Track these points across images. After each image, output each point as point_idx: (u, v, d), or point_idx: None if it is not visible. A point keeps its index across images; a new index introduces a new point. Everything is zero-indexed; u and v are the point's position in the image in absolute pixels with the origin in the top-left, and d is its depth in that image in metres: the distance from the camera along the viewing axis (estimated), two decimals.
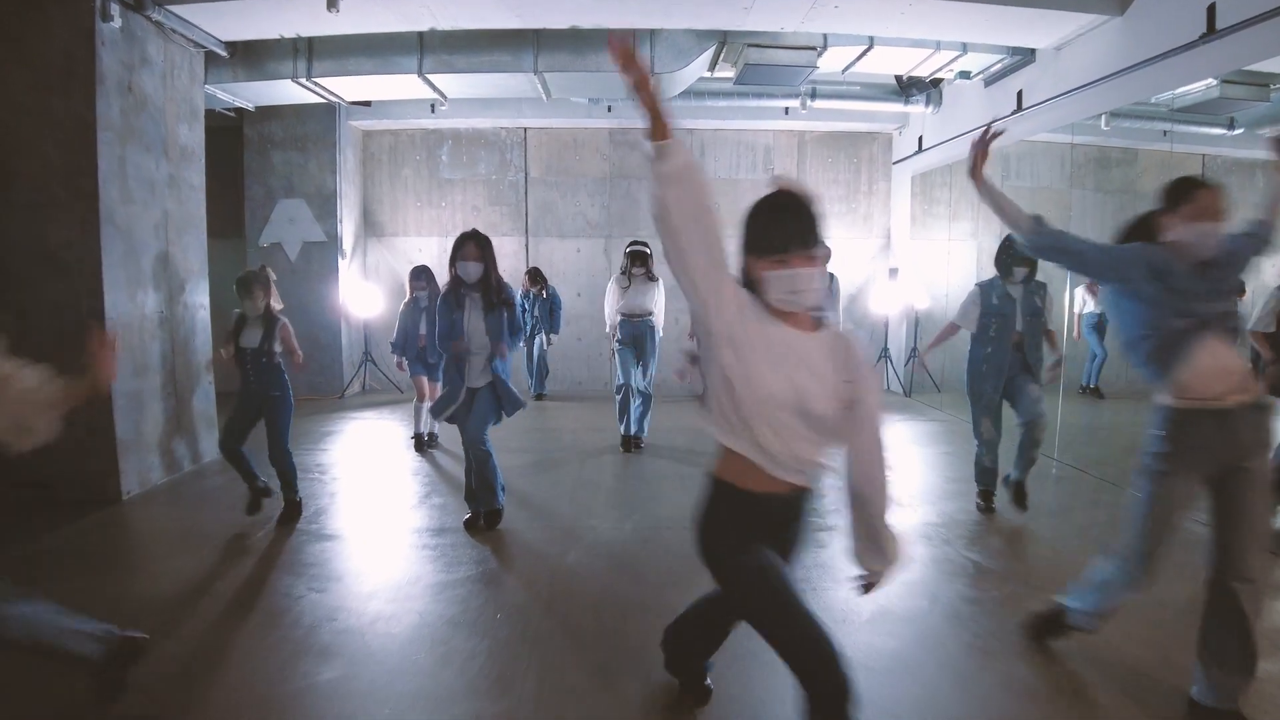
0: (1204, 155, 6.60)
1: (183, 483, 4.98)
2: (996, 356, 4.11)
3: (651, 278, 5.74)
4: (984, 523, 4.14)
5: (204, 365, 5.42)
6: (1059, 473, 5.38)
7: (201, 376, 5.47)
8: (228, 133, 8.39)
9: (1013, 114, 6.38)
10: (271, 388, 4.02)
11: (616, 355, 5.70)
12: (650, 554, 3.64)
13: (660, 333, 5.83)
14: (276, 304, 4.15)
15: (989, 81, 6.74)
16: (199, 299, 5.60)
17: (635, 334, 5.68)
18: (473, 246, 3.76)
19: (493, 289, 3.82)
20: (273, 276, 4.23)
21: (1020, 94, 6.30)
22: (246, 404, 4.06)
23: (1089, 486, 5.00)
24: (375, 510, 4.37)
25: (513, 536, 3.90)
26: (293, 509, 4.16)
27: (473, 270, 3.76)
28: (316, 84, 6.12)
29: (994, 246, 4.30)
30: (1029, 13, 5.06)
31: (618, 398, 5.72)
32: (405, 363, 5.74)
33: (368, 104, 7.93)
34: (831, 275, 5.78)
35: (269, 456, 4.09)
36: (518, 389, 4.08)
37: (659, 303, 5.77)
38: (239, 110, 8.27)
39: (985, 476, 4.33)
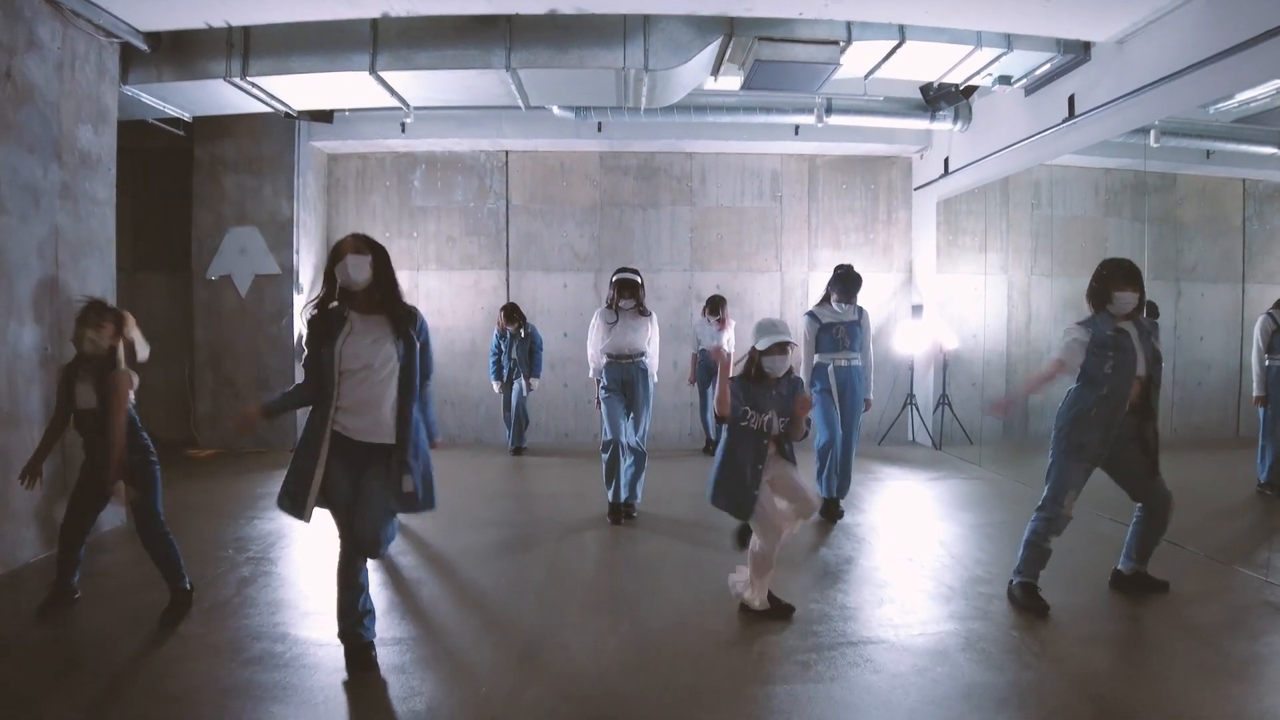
0: (1244, 180, 5.92)
1: None
2: (1114, 399, 3.14)
3: (643, 311, 4.78)
4: (1054, 634, 3.06)
5: None
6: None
7: None
8: (177, 155, 7.53)
9: (1062, 123, 5.53)
10: (128, 452, 3.01)
11: (603, 404, 4.72)
12: (642, 691, 2.57)
13: (655, 378, 4.86)
14: (141, 348, 3.19)
15: (1031, 89, 5.90)
16: None
17: (624, 378, 4.71)
18: (351, 240, 2.59)
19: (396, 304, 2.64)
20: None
21: (1072, 99, 5.45)
22: (87, 478, 3.08)
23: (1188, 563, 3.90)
24: (283, 611, 3.31)
25: (452, 660, 2.83)
26: (179, 601, 3.16)
27: (356, 273, 2.53)
28: (254, 84, 5.23)
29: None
30: None
31: (604, 456, 4.71)
32: None
33: (328, 119, 7.07)
34: (860, 309, 4.88)
35: (141, 539, 3.10)
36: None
37: (653, 341, 4.80)
38: (189, 128, 7.45)
39: (1037, 562, 3.27)
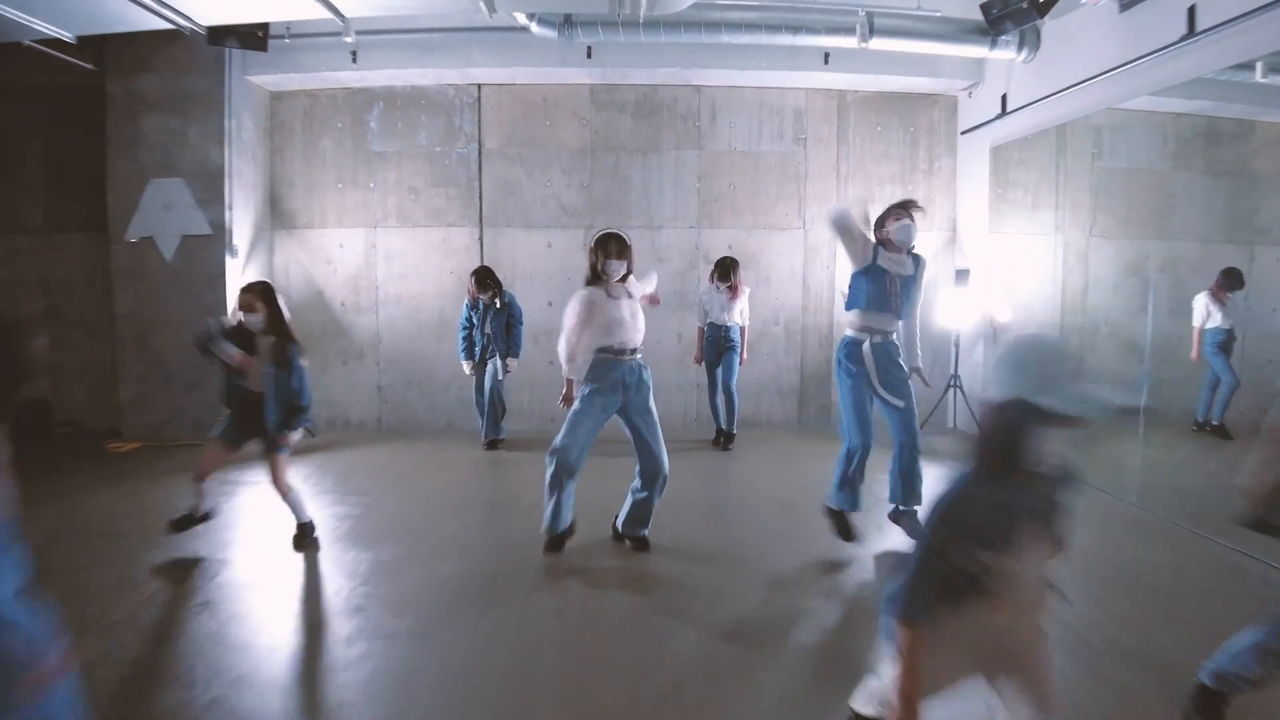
0: None
1: None
2: None
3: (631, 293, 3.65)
4: None
5: None
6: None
7: None
8: (95, 93, 6.31)
9: (1176, 44, 4.33)
10: None
11: (581, 404, 3.55)
12: None
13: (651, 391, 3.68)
14: None
15: (1129, 2, 4.69)
16: None
17: (626, 382, 3.56)
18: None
19: None
20: None
21: (1193, 9, 4.24)
22: None
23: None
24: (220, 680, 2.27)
25: None
26: None
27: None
28: None
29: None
30: None
31: (550, 469, 3.55)
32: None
33: (262, 46, 5.79)
34: (918, 260, 3.70)
35: None
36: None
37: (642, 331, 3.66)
38: (100, 60, 6.21)
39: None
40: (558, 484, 3.52)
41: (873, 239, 3.68)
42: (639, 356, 3.58)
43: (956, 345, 6.62)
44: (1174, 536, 4.01)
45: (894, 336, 3.69)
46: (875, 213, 3.80)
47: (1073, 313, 6.29)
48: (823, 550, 3.72)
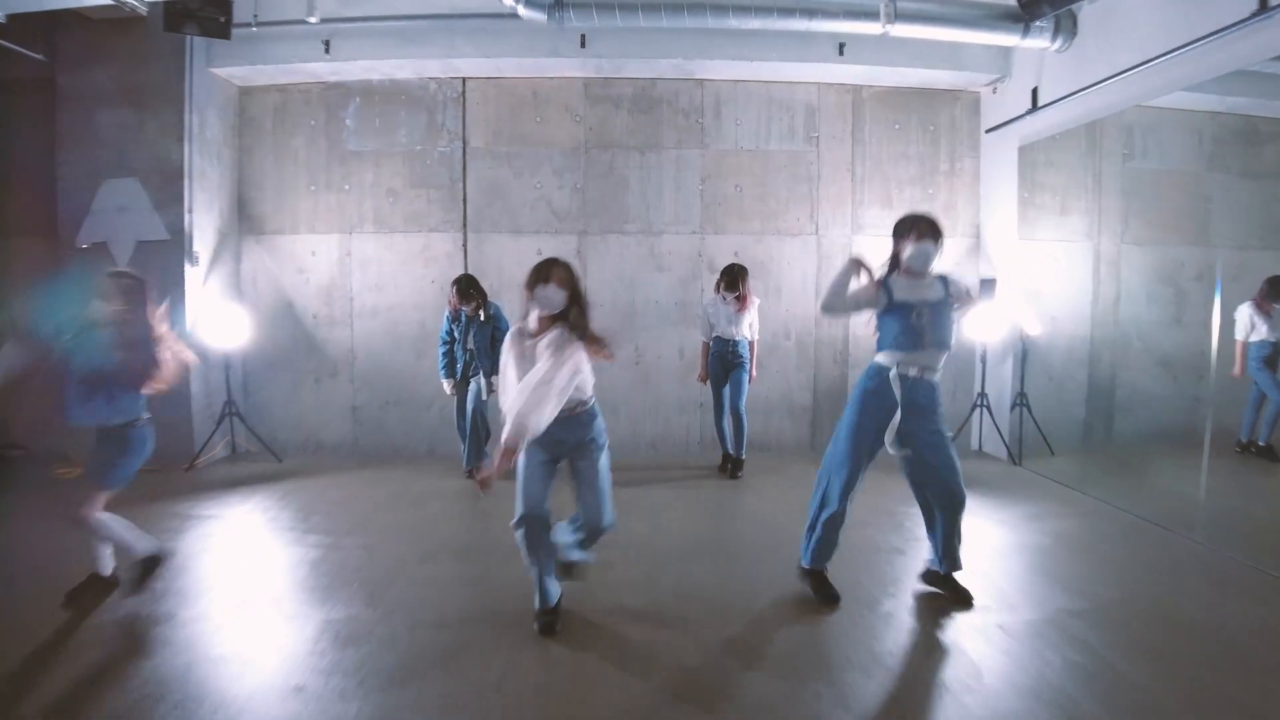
0: None
1: None
2: None
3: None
4: None
5: None
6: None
7: None
8: (37, 86, 5.80)
9: (1250, 19, 3.82)
10: None
11: (521, 472, 2.85)
12: None
13: (604, 447, 2.96)
14: None
15: None
16: None
17: (567, 442, 2.86)
18: None
19: None
20: None
21: None
22: None
23: None
24: None
25: None
26: None
27: None
28: None
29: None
30: None
31: (523, 543, 2.85)
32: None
33: (224, 34, 5.26)
34: (947, 282, 3.14)
35: None
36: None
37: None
38: (52, 52, 5.70)
39: None
40: (535, 550, 2.85)
41: (879, 274, 3.16)
42: (591, 407, 2.92)
43: (983, 361, 6.08)
44: (1254, 585, 3.44)
45: (936, 375, 3.15)
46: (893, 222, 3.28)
47: (1104, 324, 5.80)
48: (862, 612, 3.15)
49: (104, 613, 3.09)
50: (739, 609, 3.13)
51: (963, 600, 3.18)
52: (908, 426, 3.08)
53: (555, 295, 2.75)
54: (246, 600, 3.26)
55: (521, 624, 2.96)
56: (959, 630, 2.96)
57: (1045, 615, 3.07)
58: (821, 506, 3.19)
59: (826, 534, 3.18)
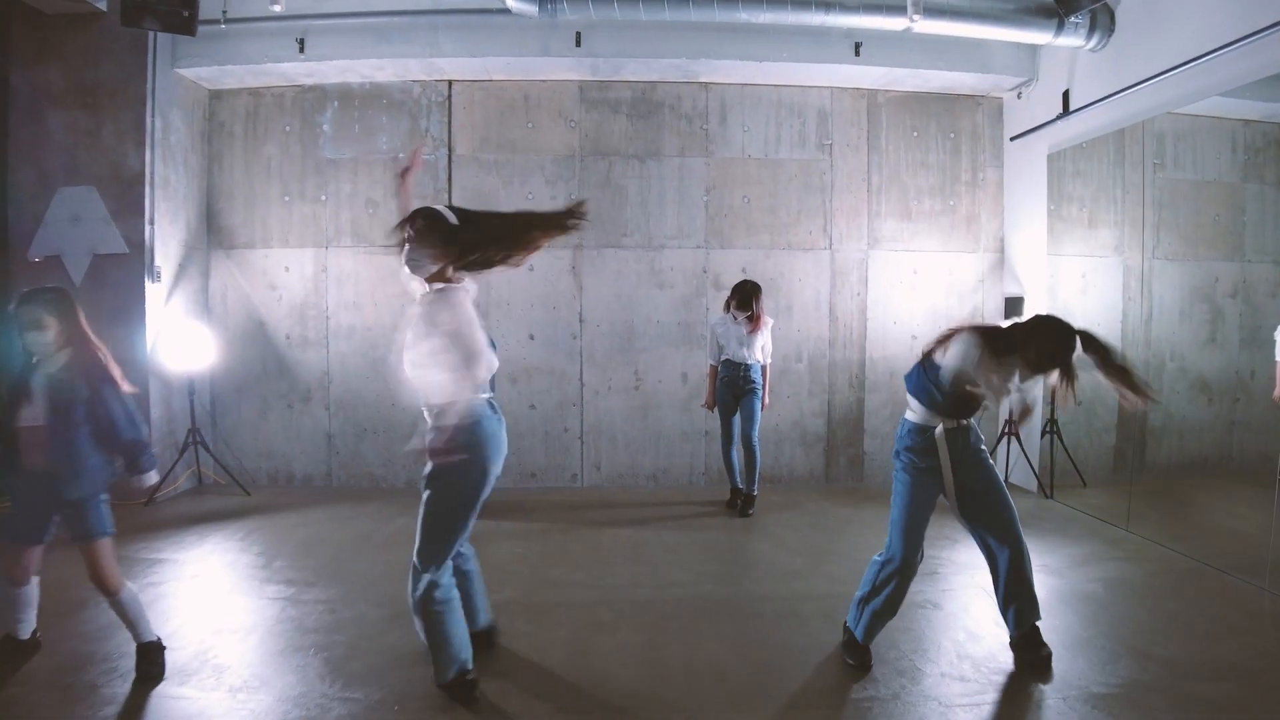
0: None
1: None
2: None
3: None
4: None
5: None
6: None
7: None
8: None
9: None
10: None
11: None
12: None
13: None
14: None
15: None
16: None
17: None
18: None
19: None
20: None
21: None
22: None
23: None
24: None
25: None
26: None
27: None
28: None
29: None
30: None
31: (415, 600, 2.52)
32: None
33: (189, 29, 4.84)
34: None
35: None
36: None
37: None
38: (5, 47, 5.26)
39: None
40: (430, 610, 2.51)
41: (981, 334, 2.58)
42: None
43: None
44: None
45: (975, 420, 2.75)
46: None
47: (1134, 345, 5.39)
48: (903, 684, 2.66)
49: (14, 685, 2.59)
50: (762, 694, 2.64)
51: (1039, 667, 2.74)
52: (962, 473, 2.67)
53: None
54: (184, 670, 2.75)
55: (498, 711, 2.47)
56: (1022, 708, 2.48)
57: (1120, 687, 2.59)
58: (878, 570, 2.80)
59: (879, 602, 2.76)
